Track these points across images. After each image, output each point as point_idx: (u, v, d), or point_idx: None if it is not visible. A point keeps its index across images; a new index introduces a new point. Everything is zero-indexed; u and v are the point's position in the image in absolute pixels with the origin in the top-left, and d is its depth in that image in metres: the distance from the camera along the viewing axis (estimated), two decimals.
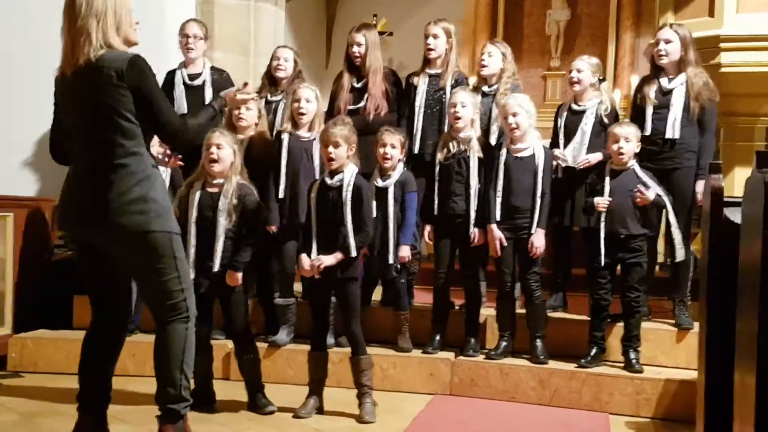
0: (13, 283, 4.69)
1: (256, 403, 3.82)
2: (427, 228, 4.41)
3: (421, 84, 4.68)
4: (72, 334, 4.62)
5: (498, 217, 4.21)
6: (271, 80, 4.84)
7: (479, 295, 4.45)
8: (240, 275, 3.77)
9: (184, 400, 2.99)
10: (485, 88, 4.67)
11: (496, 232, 4.21)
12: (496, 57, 4.65)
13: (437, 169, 4.31)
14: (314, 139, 4.30)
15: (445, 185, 4.30)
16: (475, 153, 4.25)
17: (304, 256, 3.73)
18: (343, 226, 3.69)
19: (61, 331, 4.70)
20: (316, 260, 3.68)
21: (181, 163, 3.86)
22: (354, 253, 3.70)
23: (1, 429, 3.43)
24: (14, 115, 5.33)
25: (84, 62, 2.84)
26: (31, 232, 4.82)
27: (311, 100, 4.33)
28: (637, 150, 4.14)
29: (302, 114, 4.31)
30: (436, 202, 4.31)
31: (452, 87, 4.60)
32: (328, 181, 3.74)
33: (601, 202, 4.09)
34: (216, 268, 3.73)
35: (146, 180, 2.86)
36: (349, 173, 3.74)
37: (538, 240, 4.17)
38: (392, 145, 4.24)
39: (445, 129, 4.51)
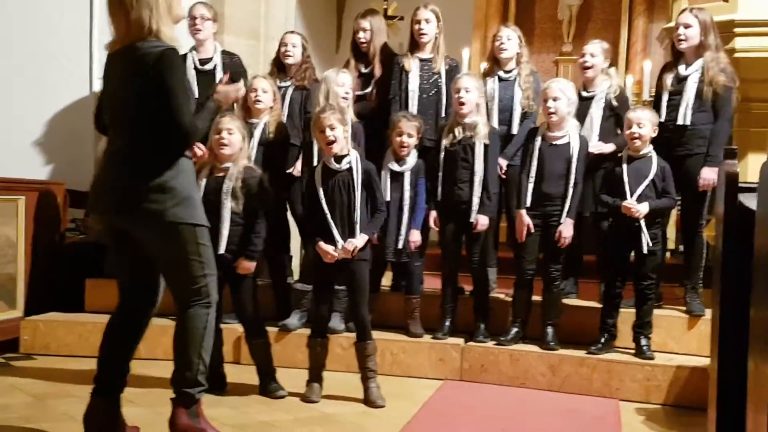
0: (25, 266, 4.72)
1: (267, 387, 3.84)
2: (433, 214, 4.37)
3: (414, 68, 4.63)
4: (84, 317, 4.66)
5: (528, 203, 4.19)
6: (279, 66, 4.82)
7: (487, 280, 4.45)
8: (253, 265, 3.79)
9: (199, 384, 2.99)
10: (502, 74, 4.64)
11: (525, 218, 4.19)
12: (514, 41, 4.62)
13: (442, 155, 4.29)
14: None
15: (450, 172, 4.28)
16: (481, 139, 4.23)
17: (323, 243, 3.68)
18: (355, 210, 3.68)
19: (72, 314, 4.74)
20: (349, 244, 3.66)
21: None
22: (367, 237, 3.71)
23: (14, 410, 3.45)
24: (25, 99, 5.35)
25: (126, 46, 2.85)
26: (43, 215, 4.84)
27: (349, 83, 4.33)
28: (654, 135, 4.10)
29: (347, 99, 4.29)
30: (440, 188, 4.30)
31: (447, 72, 4.60)
32: (334, 166, 3.71)
33: (631, 206, 4.01)
34: (221, 250, 3.71)
35: (168, 168, 2.85)
36: (355, 157, 3.74)
37: (567, 230, 4.14)
38: (409, 134, 4.24)
39: (442, 114, 4.55)
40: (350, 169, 3.71)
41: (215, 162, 3.82)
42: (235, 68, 4.95)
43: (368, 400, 3.73)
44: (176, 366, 2.99)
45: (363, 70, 4.77)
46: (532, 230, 4.19)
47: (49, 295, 4.86)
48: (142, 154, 2.86)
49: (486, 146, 4.23)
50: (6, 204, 4.62)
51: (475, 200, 4.24)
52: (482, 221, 4.25)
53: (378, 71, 4.72)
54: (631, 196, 4.04)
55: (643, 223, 4.02)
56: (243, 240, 3.78)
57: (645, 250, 4.02)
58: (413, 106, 4.59)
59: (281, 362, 4.03)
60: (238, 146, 3.80)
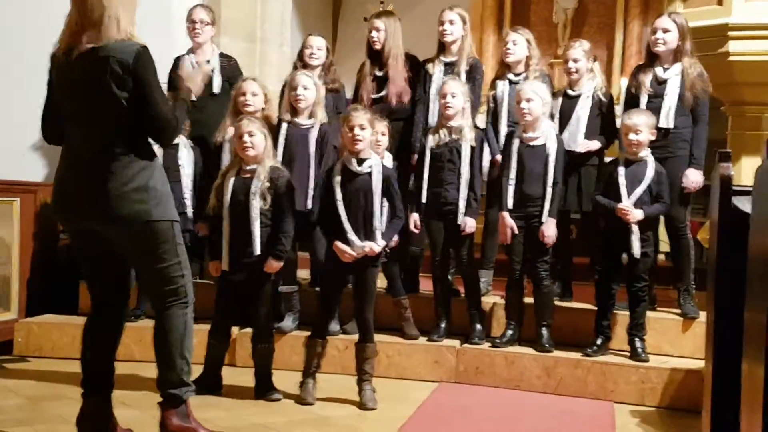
0: (19, 268, 4.70)
1: (263, 391, 3.83)
2: (414, 215, 4.37)
3: (437, 72, 4.65)
4: (78, 320, 4.62)
5: (510, 205, 4.21)
6: (304, 69, 4.81)
7: (477, 281, 4.45)
8: (280, 265, 3.79)
9: (185, 384, 2.98)
10: (511, 76, 4.65)
11: (508, 220, 4.20)
12: (521, 44, 4.63)
13: (428, 156, 4.30)
14: (312, 126, 4.31)
15: (436, 173, 4.29)
16: (467, 142, 4.24)
17: (340, 243, 3.66)
18: (374, 215, 3.68)
19: (66, 316, 4.72)
20: (367, 247, 3.65)
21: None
22: (385, 243, 3.72)
23: (8, 413, 3.44)
24: (20, 99, 5.33)
25: (92, 48, 2.81)
26: (38, 217, 4.83)
27: (309, 87, 4.31)
28: (652, 138, 4.12)
29: (300, 101, 4.29)
30: (425, 189, 4.30)
31: (467, 72, 4.59)
32: (355, 167, 3.70)
33: (625, 209, 4.02)
34: (257, 251, 3.74)
35: (145, 169, 2.85)
36: (377, 161, 3.74)
37: (549, 229, 4.16)
38: (382, 133, 4.22)
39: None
40: (370, 173, 3.70)
41: (242, 164, 3.83)
42: (232, 71, 4.97)
43: (360, 403, 3.73)
44: (160, 368, 2.97)
45: (378, 73, 4.75)
46: (516, 231, 4.21)
47: (44, 297, 4.85)
48: (121, 156, 2.83)
49: (472, 149, 4.24)
50: (1, 206, 4.61)
51: (462, 203, 4.24)
52: (470, 224, 4.26)
53: (392, 73, 4.69)
54: (628, 199, 4.05)
55: (635, 227, 4.03)
56: (271, 240, 3.79)
57: (637, 254, 4.04)
58: (435, 110, 4.59)
59: (276, 364, 4.01)
60: (261, 147, 3.81)
